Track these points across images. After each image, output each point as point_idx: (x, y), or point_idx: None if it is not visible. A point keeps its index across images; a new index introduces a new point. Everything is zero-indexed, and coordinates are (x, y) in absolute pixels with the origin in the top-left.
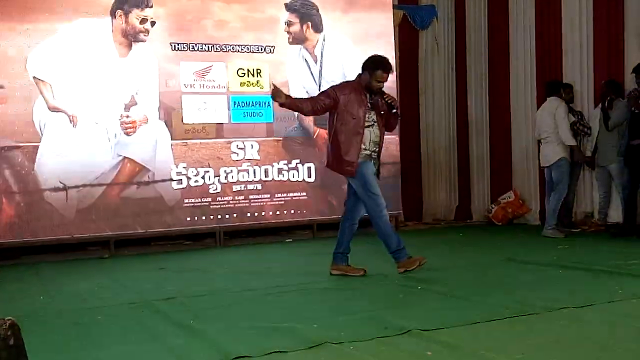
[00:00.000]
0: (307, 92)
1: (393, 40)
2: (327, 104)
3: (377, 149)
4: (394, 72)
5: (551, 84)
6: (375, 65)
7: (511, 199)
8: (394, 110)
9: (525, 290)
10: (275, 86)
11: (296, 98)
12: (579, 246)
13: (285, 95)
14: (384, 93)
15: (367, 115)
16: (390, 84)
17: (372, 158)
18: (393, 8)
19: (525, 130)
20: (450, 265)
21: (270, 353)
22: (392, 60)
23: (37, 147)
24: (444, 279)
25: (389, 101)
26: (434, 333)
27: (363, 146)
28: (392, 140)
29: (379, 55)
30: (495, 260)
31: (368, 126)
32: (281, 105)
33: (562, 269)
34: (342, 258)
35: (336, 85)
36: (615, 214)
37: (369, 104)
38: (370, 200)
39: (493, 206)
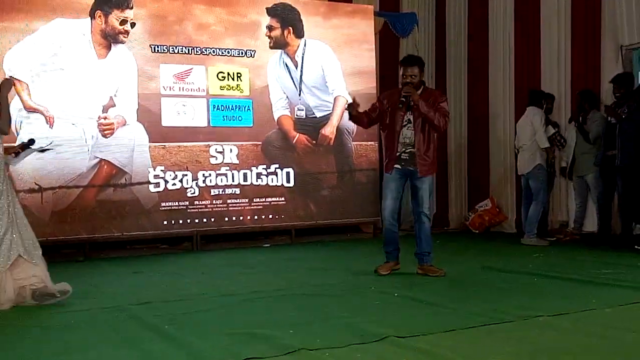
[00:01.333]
0: (287, 97)
1: (374, 47)
2: (376, 113)
3: (408, 150)
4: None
5: (532, 93)
6: (399, 65)
7: (488, 207)
8: (402, 98)
9: (501, 298)
10: (355, 100)
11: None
12: (554, 255)
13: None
14: (407, 89)
15: (402, 117)
16: (371, 91)
17: (401, 160)
18: (374, 15)
19: (503, 139)
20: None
21: (246, 359)
22: (373, 67)
23: (12, 148)
24: (421, 286)
25: (404, 93)
26: (410, 340)
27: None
28: (370, 147)
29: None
30: (472, 268)
31: (401, 128)
32: (351, 117)
33: (538, 277)
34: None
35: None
36: (590, 224)
37: (399, 104)
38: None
39: (470, 214)
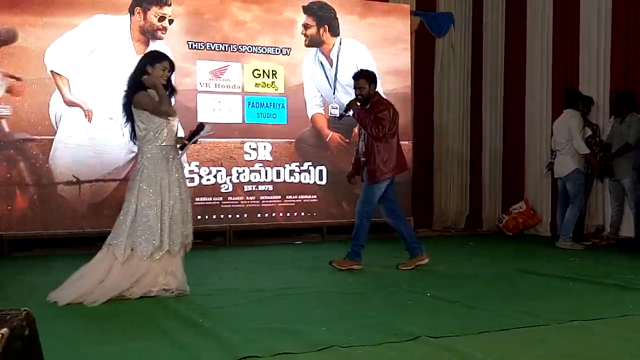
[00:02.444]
0: (321, 95)
1: (409, 47)
2: None
3: (362, 159)
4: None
5: (570, 93)
6: None
7: (523, 209)
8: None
9: (535, 302)
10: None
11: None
12: (590, 260)
13: None
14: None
15: (360, 130)
16: (405, 90)
17: (363, 168)
18: (410, 14)
19: (538, 140)
20: (460, 274)
21: (279, 354)
22: (408, 66)
23: (52, 141)
24: (454, 287)
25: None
26: (443, 340)
27: None
28: (404, 146)
29: None
30: (506, 271)
31: (359, 141)
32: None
33: (573, 281)
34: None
35: None
36: (627, 229)
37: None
38: None
39: (504, 216)
